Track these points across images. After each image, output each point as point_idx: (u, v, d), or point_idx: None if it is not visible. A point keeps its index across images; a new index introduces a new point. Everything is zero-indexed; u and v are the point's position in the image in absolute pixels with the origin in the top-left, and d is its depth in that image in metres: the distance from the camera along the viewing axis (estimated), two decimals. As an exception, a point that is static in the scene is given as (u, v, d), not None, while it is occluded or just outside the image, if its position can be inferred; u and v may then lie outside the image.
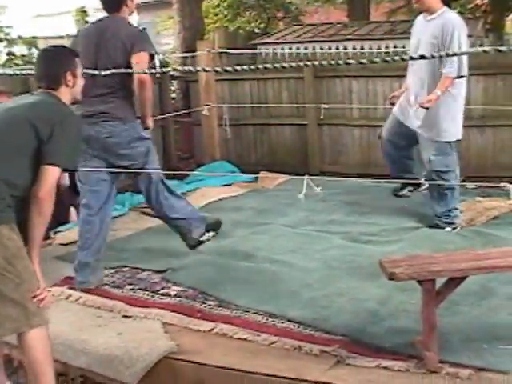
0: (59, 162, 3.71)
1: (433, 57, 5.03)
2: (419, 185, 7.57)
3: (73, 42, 5.87)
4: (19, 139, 3.72)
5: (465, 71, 6.58)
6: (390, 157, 7.46)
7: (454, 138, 6.87)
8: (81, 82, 4.12)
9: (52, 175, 3.69)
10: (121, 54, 5.54)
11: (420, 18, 7.05)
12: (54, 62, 4.04)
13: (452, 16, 6.76)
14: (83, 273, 5.68)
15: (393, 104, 7.39)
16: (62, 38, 20.53)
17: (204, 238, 6.29)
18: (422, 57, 5.14)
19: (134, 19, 30.02)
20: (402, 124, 7.13)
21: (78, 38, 5.90)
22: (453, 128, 6.81)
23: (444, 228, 6.87)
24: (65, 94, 3.97)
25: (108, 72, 5.20)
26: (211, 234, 6.42)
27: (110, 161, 5.70)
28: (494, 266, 4.18)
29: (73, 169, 3.90)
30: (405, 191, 7.65)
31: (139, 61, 5.48)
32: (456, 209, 6.96)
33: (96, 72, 5.20)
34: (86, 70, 4.66)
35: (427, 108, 6.59)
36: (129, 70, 5.38)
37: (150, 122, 5.83)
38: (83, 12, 25.87)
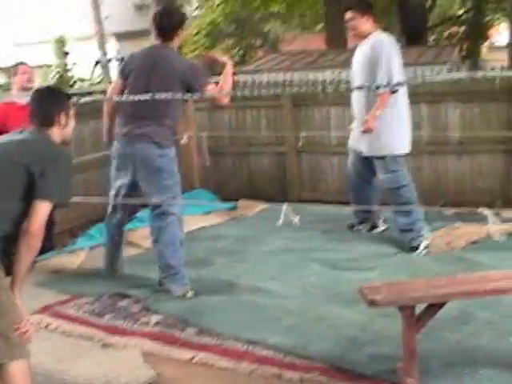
0: (51, 198, 3.71)
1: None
2: (375, 227, 7.69)
3: (124, 64, 6.29)
4: (10, 176, 3.72)
5: (398, 86, 6.75)
6: (352, 187, 7.72)
7: (396, 152, 7.03)
8: (72, 123, 4.14)
9: (43, 210, 3.69)
10: (174, 83, 5.86)
11: (358, 45, 7.32)
12: (49, 101, 4.07)
13: (381, 36, 7.07)
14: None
15: None
16: (41, 67, 20.53)
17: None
18: (399, 84, 5.19)
19: (114, 47, 30.22)
20: (356, 151, 7.39)
21: (130, 60, 6.29)
22: (393, 141, 6.98)
23: (412, 242, 7.01)
24: (56, 134, 3.99)
25: (162, 96, 5.44)
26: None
27: (137, 180, 6.09)
28: (473, 292, 4.20)
29: (64, 204, 3.90)
30: (360, 227, 7.75)
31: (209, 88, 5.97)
32: (419, 220, 7.09)
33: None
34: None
35: (371, 130, 6.82)
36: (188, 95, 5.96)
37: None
38: (62, 42, 25.95)
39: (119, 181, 6.26)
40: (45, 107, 4.02)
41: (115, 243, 6.61)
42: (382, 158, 7.04)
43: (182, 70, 5.93)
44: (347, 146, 7.78)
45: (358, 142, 7.28)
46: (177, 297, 5.91)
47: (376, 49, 6.87)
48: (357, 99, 7.16)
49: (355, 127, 7.32)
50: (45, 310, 5.79)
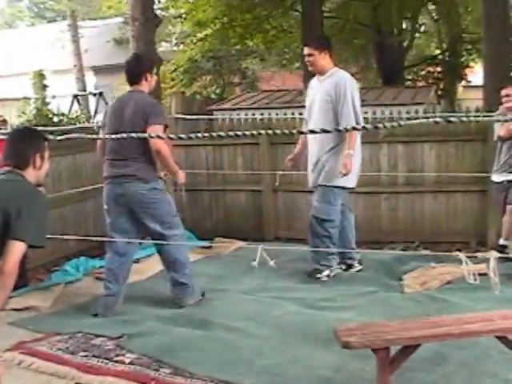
0: (26, 238, 3.72)
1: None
2: (351, 266, 7.77)
3: (104, 115, 6.86)
4: None
5: (361, 124, 6.97)
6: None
7: (336, 184, 7.19)
8: (47, 165, 4.14)
9: (18, 250, 3.70)
10: (140, 121, 6.32)
11: (314, 80, 7.55)
12: (25, 142, 4.07)
13: (343, 74, 7.31)
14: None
15: (293, 166, 8.05)
16: (18, 100, 20.50)
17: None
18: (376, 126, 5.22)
19: (92, 82, 30.27)
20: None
21: (107, 109, 6.94)
22: (337, 172, 7.14)
23: (322, 272, 7.34)
24: (30, 175, 3.99)
25: (124, 136, 5.68)
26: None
27: (137, 215, 6.55)
28: (447, 334, 4.23)
29: (39, 245, 3.88)
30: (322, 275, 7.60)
31: (153, 131, 6.15)
32: (333, 254, 7.36)
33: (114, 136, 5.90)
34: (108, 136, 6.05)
35: (347, 172, 7.01)
36: (144, 135, 5.96)
37: (179, 176, 6.76)
38: (41, 75, 25.98)
39: (114, 221, 6.63)
40: (20, 148, 4.02)
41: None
42: (325, 186, 7.28)
43: (143, 107, 6.38)
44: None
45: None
46: (152, 332, 5.90)
47: (339, 87, 7.06)
48: (314, 137, 7.29)
49: (312, 165, 7.50)
50: (18, 347, 5.73)
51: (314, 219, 7.35)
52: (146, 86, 6.66)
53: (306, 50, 7.36)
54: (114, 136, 5.88)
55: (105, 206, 6.66)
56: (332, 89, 7.12)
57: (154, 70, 6.86)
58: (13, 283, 3.73)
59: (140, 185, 6.43)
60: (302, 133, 4.75)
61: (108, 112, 6.75)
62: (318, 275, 7.40)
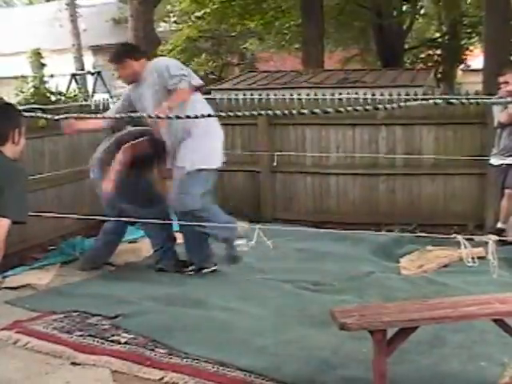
0: (10, 214, 3.70)
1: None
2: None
3: None
4: None
5: (198, 82, 6.95)
6: None
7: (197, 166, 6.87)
8: (23, 141, 4.10)
9: (3, 227, 3.68)
10: None
11: (131, 87, 7.24)
12: (3, 118, 4.03)
13: (153, 61, 7.31)
14: None
15: None
16: (16, 78, 20.41)
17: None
18: (376, 108, 5.19)
19: (90, 61, 30.16)
20: None
21: None
22: (193, 157, 6.86)
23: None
24: (9, 151, 3.95)
25: None
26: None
27: None
28: (445, 317, 4.21)
29: (22, 220, 3.87)
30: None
31: None
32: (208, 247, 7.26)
33: None
34: None
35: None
36: None
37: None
38: (38, 53, 25.83)
39: None
40: None
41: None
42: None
43: None
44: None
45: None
46: (148, 312, 5.89)
47: (160, 70, 6.88)
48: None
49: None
50: (14, 326, 5.71)
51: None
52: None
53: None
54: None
55: None
56: (154, 78, 6.92)
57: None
58: (0, 259, 3.72)
59: None
60: (301, 113, 4.68)
61: None
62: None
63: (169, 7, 26.66)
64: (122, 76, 7.21)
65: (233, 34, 25.28)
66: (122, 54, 7.15)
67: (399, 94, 9.79)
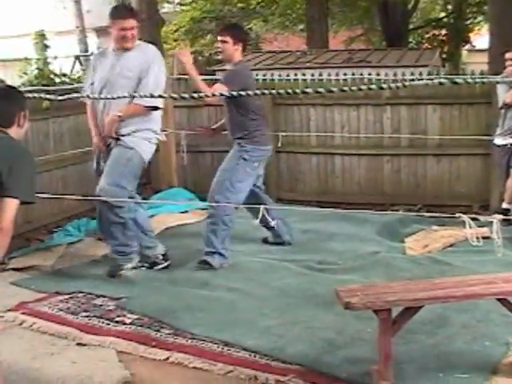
0: (19, 195, 3.74)
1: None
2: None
3: None
4: None
5: (159, 104, 6.58)
6: None
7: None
8: (27, 124, 4.13)
9: (12, 207, 3.73)
10: None
11: (109, 51, 6.75)
12: (9, 101, 4.06)
13: (149, 48, 6.73)
14: None
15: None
16: (20, 60, 20.38)
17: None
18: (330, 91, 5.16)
19: (95, 42, 30.06)
20: None
21: None
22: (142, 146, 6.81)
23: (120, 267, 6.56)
24: (14, 134, 3.99)
25: None
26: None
27: None
28: (449, 296, 4.20)
29: (31, 201, 3.90)
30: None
31: None
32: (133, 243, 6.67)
33: None
34: None
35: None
36: None
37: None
38: (42, 35, 25.77)
39: None
40: (5, 107, 4.02)
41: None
42: None
43: None
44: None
45: None
46: (153, 293, 5.90)
47: (146, 64, 6.52)
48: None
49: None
50: (20, 307, 5.74)
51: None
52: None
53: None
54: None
55: None
56: (135, 64, 6.48)
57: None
58: (8, 241, 3.74)
59: None
60: (304, 92, 4.66)
61: None
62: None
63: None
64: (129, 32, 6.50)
65: (237, 15, 25.17)
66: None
67: (404, 74, 9.77)
